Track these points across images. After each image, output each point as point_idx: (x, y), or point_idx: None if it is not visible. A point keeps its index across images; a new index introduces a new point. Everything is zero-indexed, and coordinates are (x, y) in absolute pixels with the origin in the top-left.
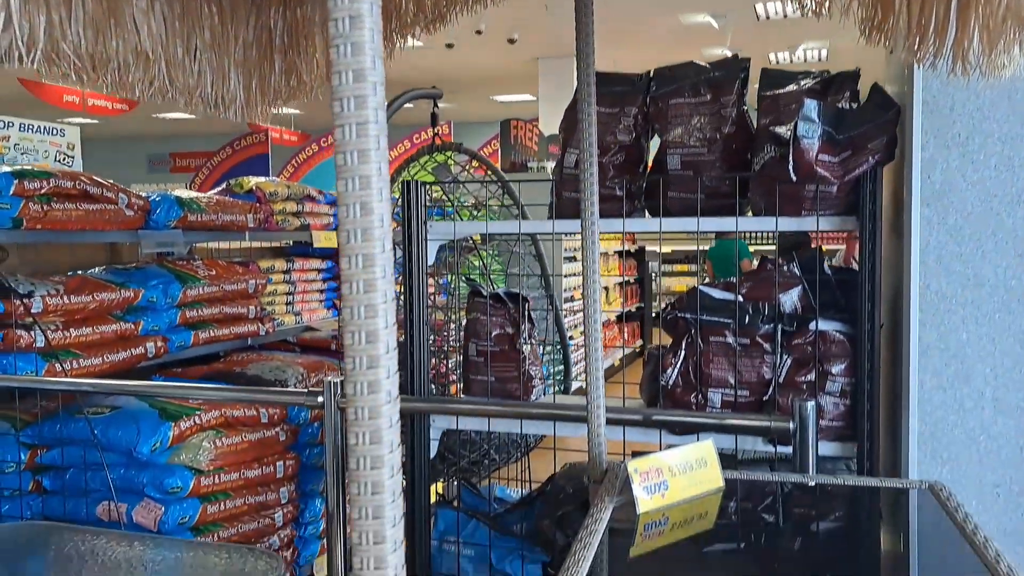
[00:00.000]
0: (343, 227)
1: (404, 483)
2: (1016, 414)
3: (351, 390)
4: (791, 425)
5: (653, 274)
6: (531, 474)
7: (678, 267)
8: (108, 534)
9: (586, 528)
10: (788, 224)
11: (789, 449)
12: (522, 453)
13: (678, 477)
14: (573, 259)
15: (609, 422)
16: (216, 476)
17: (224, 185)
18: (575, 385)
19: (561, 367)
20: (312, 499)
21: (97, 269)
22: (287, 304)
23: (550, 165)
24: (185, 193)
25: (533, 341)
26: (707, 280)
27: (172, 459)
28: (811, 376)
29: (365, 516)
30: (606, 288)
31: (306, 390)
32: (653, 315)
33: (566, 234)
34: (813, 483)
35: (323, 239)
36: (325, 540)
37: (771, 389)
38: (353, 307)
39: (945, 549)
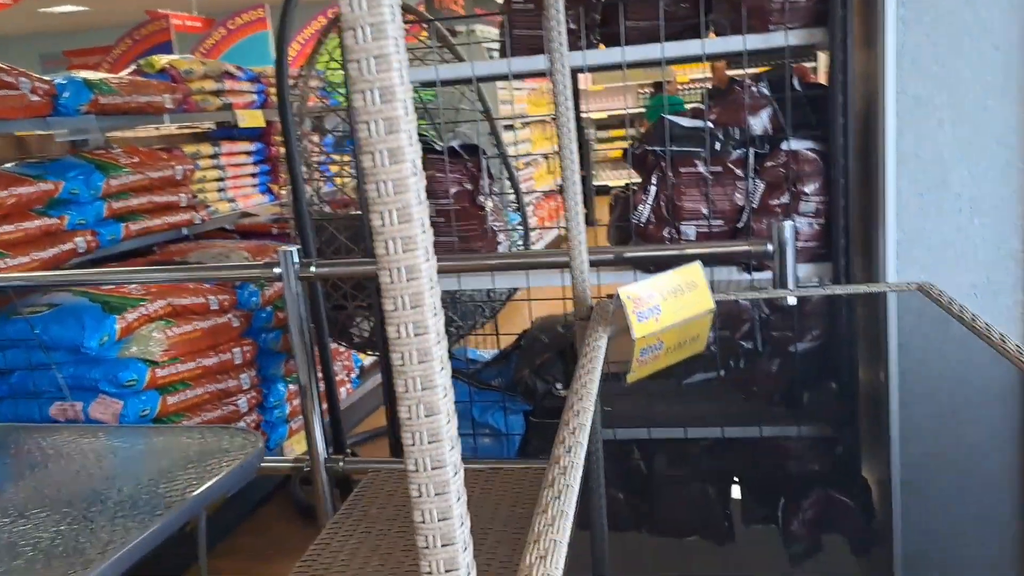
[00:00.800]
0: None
1: (364, 337)
2: (993, 213)
3: (382, 249)
4: (769, 247)
5: (590, 140)
6: (499, 338)
7: (613, 132)
8: (70, 429)
9: (586, 354)
10: (756, 42)
11: (767, 275)
12: (487, 318)
13: (669, 301)
14: (511, 127)
15: None
16: (172, 366)
17: (133, 67)
18: (538, 248)
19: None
20: (274, 383)
21: (9, 164)
22: (219, 191)
23: (481, 28)
24: (93, 74)
25: (494, 196)
26: None
27: (123, 352)
28: (784, 198)
29: (413, 388)
30: (546, 157)
31: (261, 262)
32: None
33: (522, 78)
34: (797, 298)
35: (248, 118)
36: (292, 423)
37: (745, 216)
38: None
39: (944, 344)
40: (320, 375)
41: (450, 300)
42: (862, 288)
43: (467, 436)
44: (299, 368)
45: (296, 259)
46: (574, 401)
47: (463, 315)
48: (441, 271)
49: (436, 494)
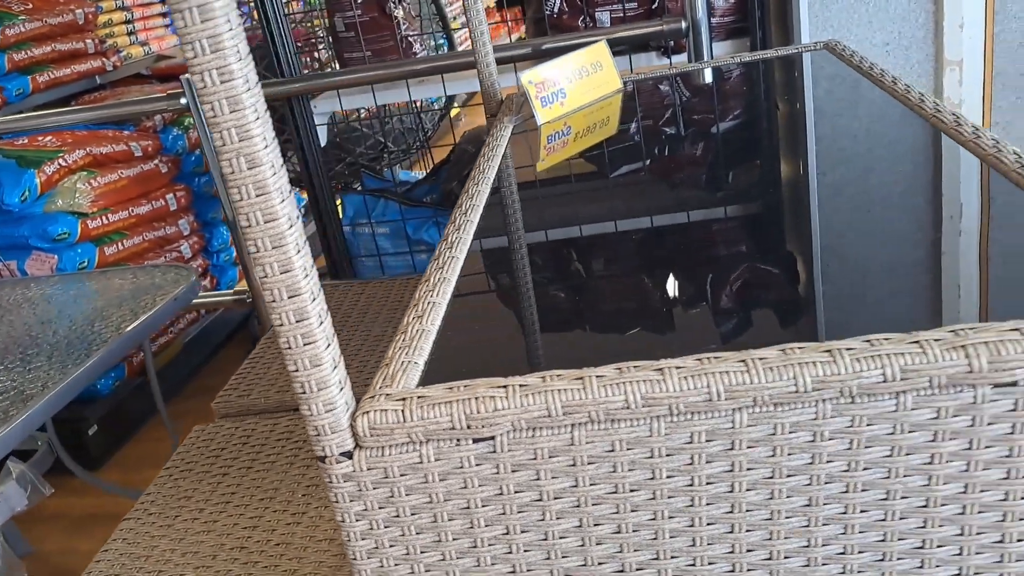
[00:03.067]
0: None
1: (297, 171)
2: None
3: (200, 82)
4: (683, 24)
5: None
6: (433, 159)
7: None
8: (1, 283)
9: (488, 143)
10: None
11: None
12: (421, 143)
13: (575, 83)
14: None
15: (498, 63)
16: (103, 217)
17: None
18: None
19: (443, 42)
20: (216, 227)
21: None
22: (129, 34)
23: None
24: None
25: (406, 3)
26: None
27: (49, 207)
28: None
29: (255, 222)
30: None
31: (165, 94)
32: None
33: None
34: (711, 68)
35: None
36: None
37: None
38: None
39: (855, 102)
40: None
41: (380, 122)
42: (770, 53)
43: (404, 254)
44: (223, 203)
45: None
46: (464, 199)
47: (395, 139)
48: (348, 84)
49: (296, 320)
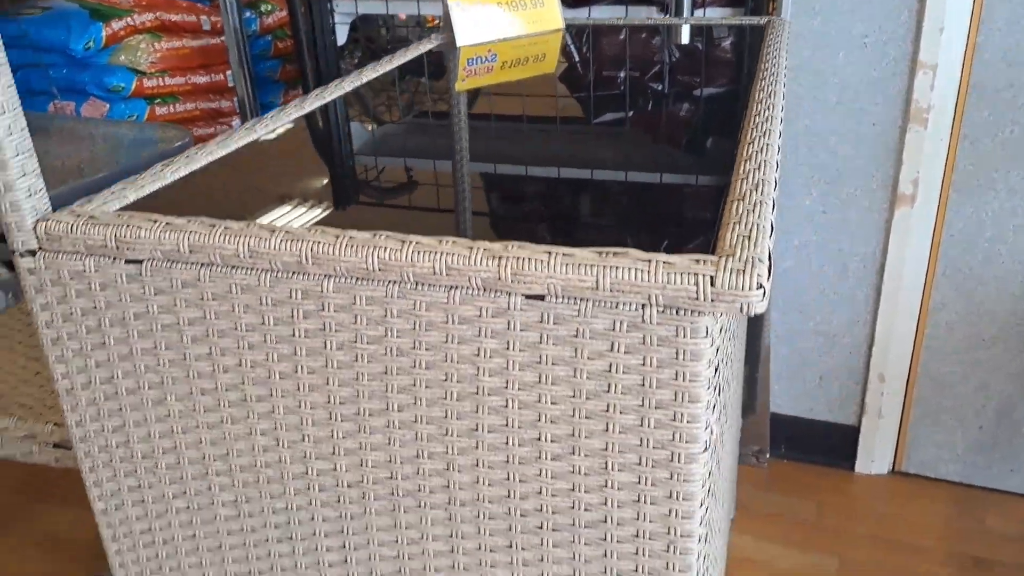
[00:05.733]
0: None
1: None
2: None
3: None
4: None
5: None
6: None
7: None
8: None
9: (401, 54)
10: None
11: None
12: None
13: (506, 11)
14: None
15: None
16: (160, 79)
17: None
18: None
19: None
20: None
21: None
22: None
23: None
24: None
25: None
26: None
27: (111, 60)
28: None
29: None
30: None
31: None
32: None
33: None
34: (674, 26)
35: None
36: None
37: None
38: None
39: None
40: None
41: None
42: (715, 20)
43: None
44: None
45: None
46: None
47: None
48: None
49: None
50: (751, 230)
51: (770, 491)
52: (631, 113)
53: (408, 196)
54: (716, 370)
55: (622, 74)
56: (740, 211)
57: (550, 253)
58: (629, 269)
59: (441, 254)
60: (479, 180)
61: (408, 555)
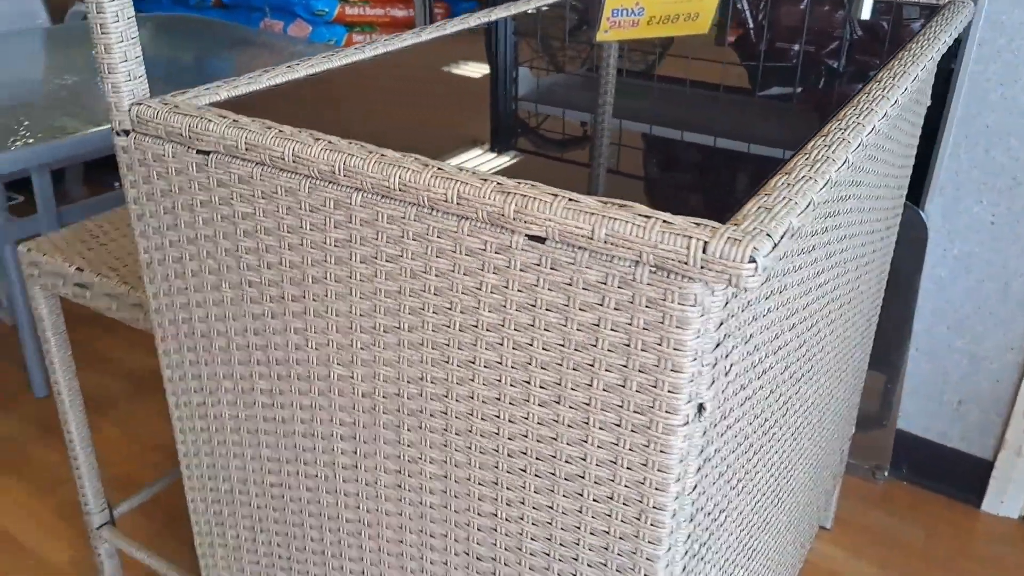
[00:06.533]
0: None
1: None
2: None
3: None
4: None
5: None
6: None
7: None
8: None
9: None
10: None
11: None
12: None
13: None
14: None
15: None
16: (361, 7)
17: None
18: None
19: None
20: None
21: None
22: None
23: None
24: None
25: None
26: None
27: None
28: None
29: None
30: None
31: None
32: None
33: None
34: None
35: None
36: None
37: None
38: None
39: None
40: None
41: None
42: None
43: None
44: None
45: None
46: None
47: None
48: None
49: (97, 12)
50: (778, 203)
51: (879, 509)
52: (800, 89)
53: (530, 140)
54: (719, 345)
55: (796, 47)
56: (780, 184)
57: (555, 196)
58: (625, 222)
59: (455, 182)
60: (624, 137)
61: (408, 472)
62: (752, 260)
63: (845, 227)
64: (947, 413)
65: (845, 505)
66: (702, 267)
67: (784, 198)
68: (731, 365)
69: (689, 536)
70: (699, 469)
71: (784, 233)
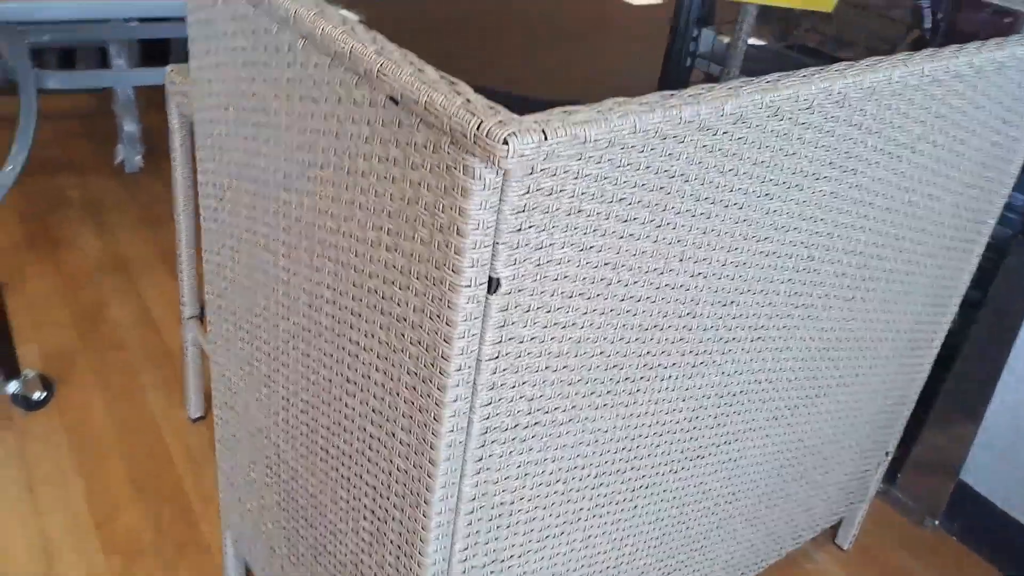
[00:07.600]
0: None
1: None
2: None
3: None
4: None
5: None
6: None
7: None
8: None
9: None
10: None
11: None
12: None
13: None
14: None
15: None
16: None
17: None
18: None
19: None
20: None
21: None
22: None
23: None
24: None
25: None
26: None
27: None
28: None
29: None
30: None
31: None
32: None
33: None
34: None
35: None
36: None
37: None
38: None
39: None
40: None
41: None
42: None
43: None
44: None
45: None
46: None
47: None
48: None
49: None
50: (584, 114)
51: (905, 550)
52: None
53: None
54: (520, 231)
55: None
56: (615, 103)
57: (410, 65)
58: (442, 95)
59: (350, 41)
60: None
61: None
62: (504, 142)
63: (756, 201)
64: (1017, 479)
65: (876, 533)
66: (474, 142)
67: (598, 111)
68: (538, 254)
69: (472, 408)
70: (498, 343)
71: (568, 137)
